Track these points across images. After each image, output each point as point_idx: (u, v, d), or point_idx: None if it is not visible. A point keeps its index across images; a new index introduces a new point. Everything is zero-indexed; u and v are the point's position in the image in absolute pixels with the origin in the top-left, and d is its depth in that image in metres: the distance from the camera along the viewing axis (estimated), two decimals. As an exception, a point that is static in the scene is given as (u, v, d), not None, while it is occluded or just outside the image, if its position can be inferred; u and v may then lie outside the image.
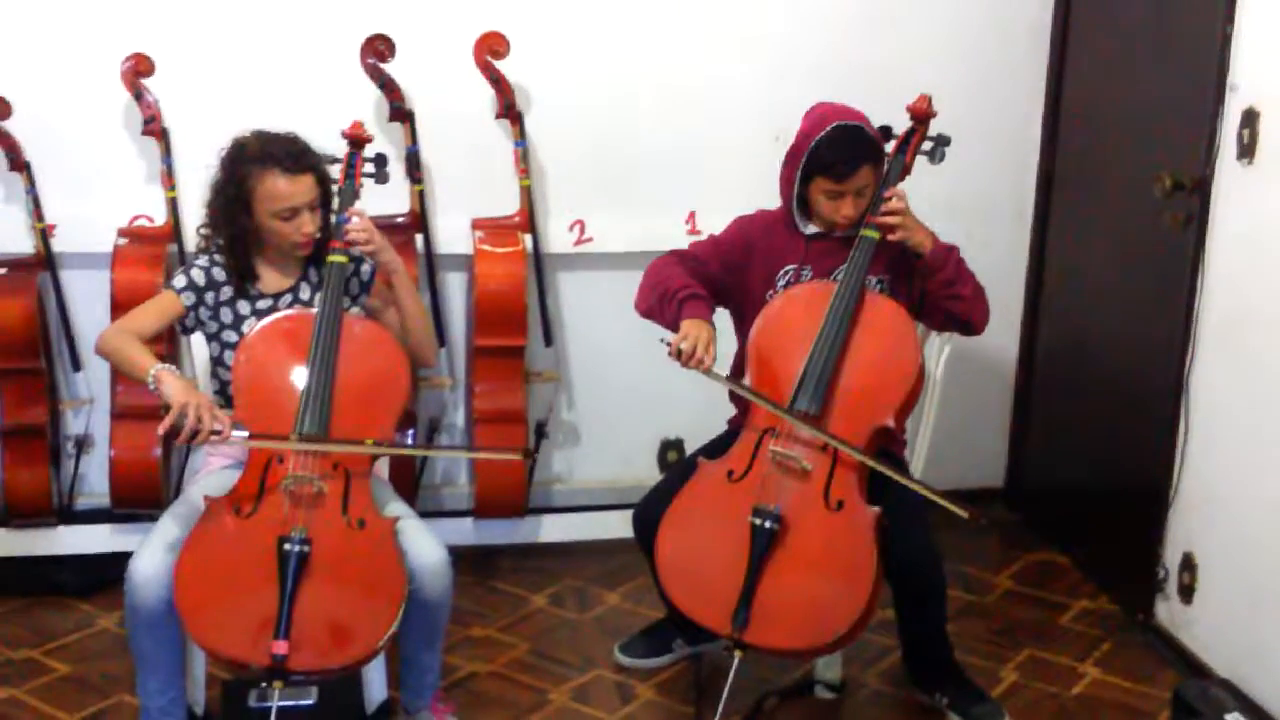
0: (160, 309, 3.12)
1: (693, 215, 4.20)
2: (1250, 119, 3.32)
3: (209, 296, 3.12)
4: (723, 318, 3.37)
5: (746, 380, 3.23)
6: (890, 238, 3.16)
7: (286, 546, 2.81)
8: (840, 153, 3.14)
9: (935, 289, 3.21)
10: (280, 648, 2.75)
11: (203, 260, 3.14)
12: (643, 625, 3.71)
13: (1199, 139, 3.48)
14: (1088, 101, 4.21)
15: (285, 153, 3.02)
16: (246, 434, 2.94)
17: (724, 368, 3.23)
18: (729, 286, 3.34)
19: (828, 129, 3.15)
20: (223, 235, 3.11)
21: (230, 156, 3.07)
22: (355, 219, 3.10)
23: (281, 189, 3.01)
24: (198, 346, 3.24)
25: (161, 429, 2.85)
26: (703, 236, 3.95)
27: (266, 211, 3.03)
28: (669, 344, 3.11)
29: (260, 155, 3.02)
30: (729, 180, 4.09)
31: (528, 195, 4.06)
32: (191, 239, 3.59)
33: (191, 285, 3.11)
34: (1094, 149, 4.18)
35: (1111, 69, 4.07)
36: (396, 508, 3.08)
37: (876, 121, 3.26)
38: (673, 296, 3.20)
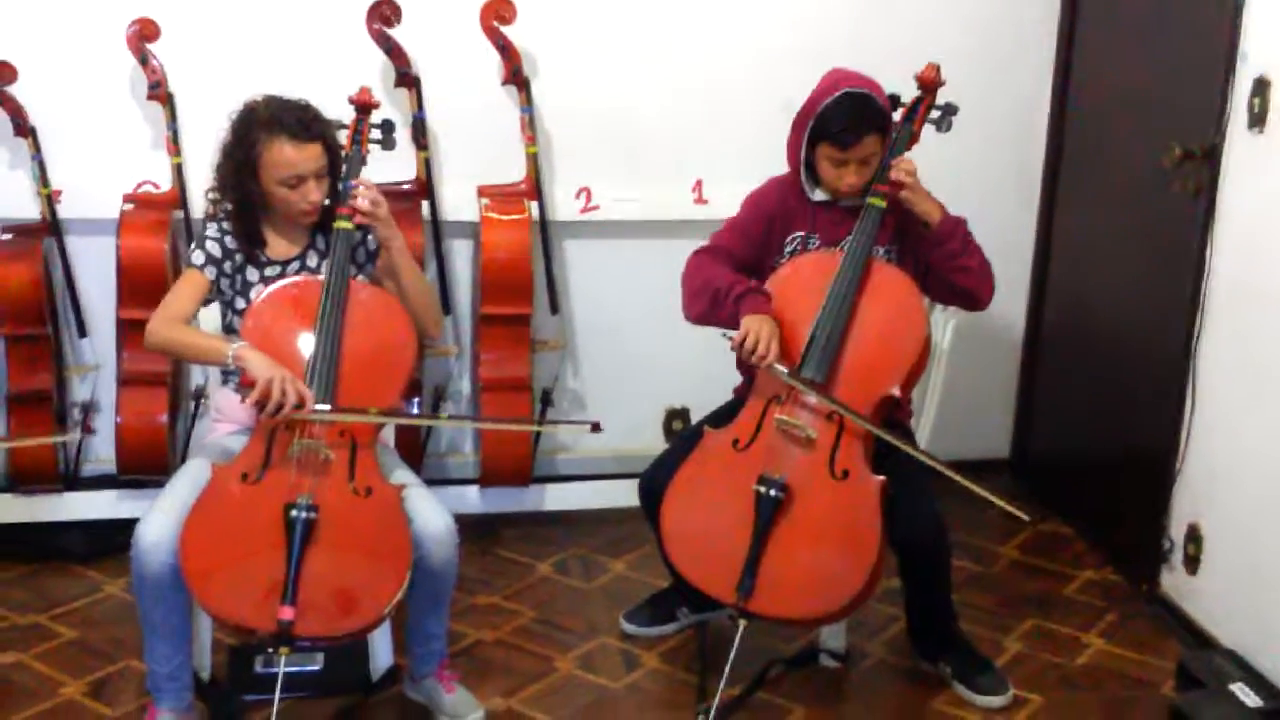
0: (192, 290, 3.10)
1: (699, 184, 4.18)
2: (1261, 87, 3.30)
3: (227, 266, 3.11)
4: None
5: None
6: (900, 195, 3.14)
7: (293, 513, 2.82)
8: (846, 120, 3.12)
9: (941, 260, 3.19)
10: (286, 614, 2.76)
11: (212, 230, 3.13)
12: (648, 594, 3.71)
13: (1209, 108, 3.47)
14: (1097, 71, 4.19)
15: (294, 120, 3.00)
16: (328, 407, 2.94)
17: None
18: (756, 263, 3.33)
19: (836, 95, 3.13)
20: (230, 199, 3.10)
21: (240, 120, 3.05)
22: (362, 187, 3.07)
23: (288, 156, 2.99)
24: (205, 314, 3.23)
25: (250, 401, 2.87)
26: (709, 205, 3.96)
27: (272, 178, 3.02)
28: (731, 338, 3.11)
29: (269, 121, 3.00)
30: (736, 149, 4.09)
31: (534, 163, 4.05)
32: (197, 205, 3.58)
33: (210, 259, 3.10)
34: (1103, 119, 4.16)
35: (1122, 38, 4.05)
36: (402, 475, 3.08)
37: (890, 90, 3.24)
38: (726, 295, 3.18)
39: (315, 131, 3.02)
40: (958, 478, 2.99)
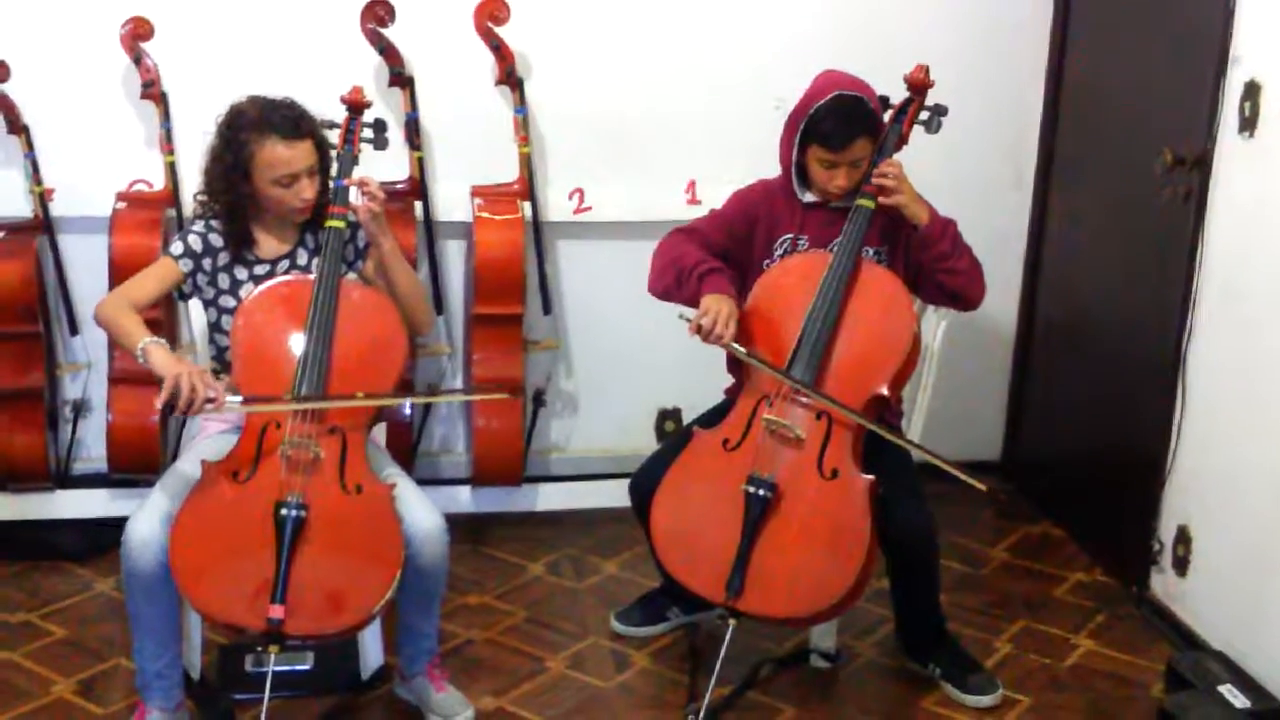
0: (159, 276, 3.11)
1: (692, 184, 4.19)
2: (1252, 92, 3.31)
3: (206, 262, 3.11)
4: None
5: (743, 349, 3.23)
6: (884, 200, 3.15)
7: (283, 511, 2.82)
8: (837, 123, 3.13)
9: (930, 262, 3.20)
10: (276, 612, 2.76)
11: (199, 226, 3.13)
12: (639, 594, 3.71)
13: (1200, 112, 3.47)
14: (1089, 74, 4.20)
15: (284, 119, 3.01)
16: (240, 399, 2.94)
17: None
18: (734, 258, 3.33)
19: (827, 98, 3.14)
20: (220, 202, 3.09)
21: (228, 123, 3.05)
22: (366, 197, 3.06)
23: (281, 155, 3.00)
24: (195, 312, 3.23)
25: (158, 402, 2.84)
26: (702, 205, 3.97)
27: (266, 178, 3.02)
28: (689, 320, 3.11)
29: (259, 122, 3.00)
30: (729, 149, 4.09)
31: (527, 163, 4.06)
32: (190, 204, 3.58)
33: (189, 252, 3.10)
34: (1095, 122, 4.17)
35: (1113, 41, 4.06)
36: (393, 474, 3.08)
37: (880, 91, 3.25)
38: (690, 273, 3.19)
39: (305, 129, 3.03)
40: (948, 467, 3.01)
